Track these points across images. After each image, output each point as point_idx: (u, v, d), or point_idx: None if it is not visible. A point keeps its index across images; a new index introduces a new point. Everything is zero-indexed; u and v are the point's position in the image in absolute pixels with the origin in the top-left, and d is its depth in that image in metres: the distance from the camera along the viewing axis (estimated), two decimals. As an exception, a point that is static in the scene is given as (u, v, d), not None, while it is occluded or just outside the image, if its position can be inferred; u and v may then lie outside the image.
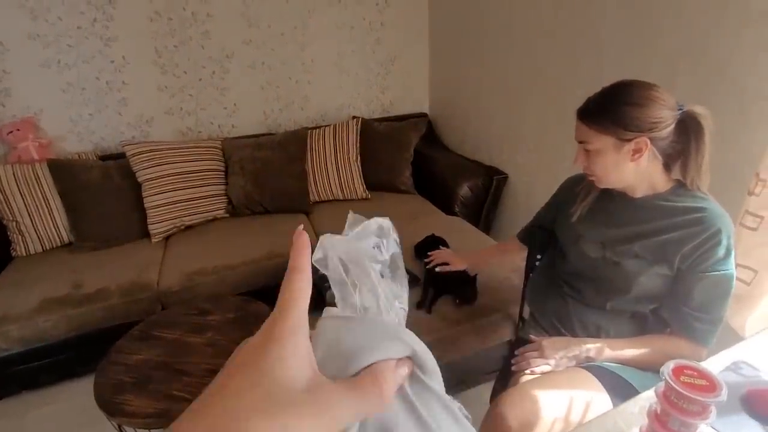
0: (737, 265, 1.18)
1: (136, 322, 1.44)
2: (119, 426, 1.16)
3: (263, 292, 1.89)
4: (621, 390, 0.93)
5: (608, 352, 0.98)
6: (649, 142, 0.87)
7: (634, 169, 0.91)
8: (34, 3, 2.01)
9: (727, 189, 1.24)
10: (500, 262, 1.59)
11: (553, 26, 1.80)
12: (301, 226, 0.29)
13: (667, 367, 0.61)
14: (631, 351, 0.98)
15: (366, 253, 0.35)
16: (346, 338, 0.29)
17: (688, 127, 0.87)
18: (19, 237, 1.98)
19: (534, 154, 2.04)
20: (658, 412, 0.63)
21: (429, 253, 1.54)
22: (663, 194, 0.94)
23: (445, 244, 1.75)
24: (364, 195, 2.38)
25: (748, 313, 1.19)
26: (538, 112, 1.97)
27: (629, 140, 0.88)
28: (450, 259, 1.47)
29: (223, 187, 2.27)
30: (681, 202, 0.91)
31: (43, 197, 2.00)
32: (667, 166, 0.93)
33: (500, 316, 1.48)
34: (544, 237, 1.25)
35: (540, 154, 2.01)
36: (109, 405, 1.10)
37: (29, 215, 1.98)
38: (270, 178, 2.25)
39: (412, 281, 1.60)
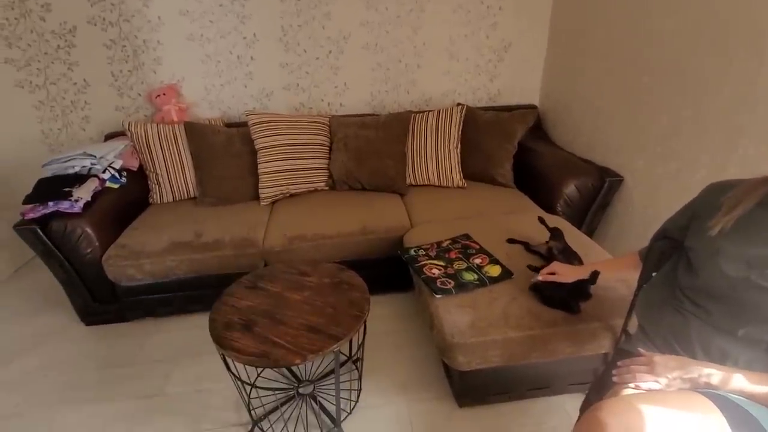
0: None
1: (241, 274, 1.59)
2: (224, 358, 1.30)
3: (353, 263, 1.97)
4: (746, 426, 0.81)
5: (736, 383, 0.86)
6: None
7: None
8: (188, -18, 2.28)
9: None
10: (614, 277, 1.46)
11: (700, 14, 1.59)
12: None
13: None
14: (766, 388, 0.85)
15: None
16: None
17: None
18: (157, 187, 2.30)
19: (660, 159, 1.84)
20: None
21: (542, 272, 1.41)
22: None
23: (560, 234, 1.65)
24: (460, 183, 2.35)
25: None
26: (672, 113, 1.76)
27: None
28: (558, 270, 1.37)
29: (326, 161, 2.40)
30: None
31: (178, 155, 2.29)
32: None
33: (599, 326, 1.37)
34: (665, 247, 1.13)
35: (667, 160, 1.80)
36: (220, 339, 1.24)
37: (166, 169, 2.28)
38: (370, 157, 2.32)
39: (505, 274, 1.56)
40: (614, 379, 0.98)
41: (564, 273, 1.36)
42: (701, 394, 0.87)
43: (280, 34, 2.45)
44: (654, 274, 1.16)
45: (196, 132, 2.28)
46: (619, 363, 1.01)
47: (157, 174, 2.27)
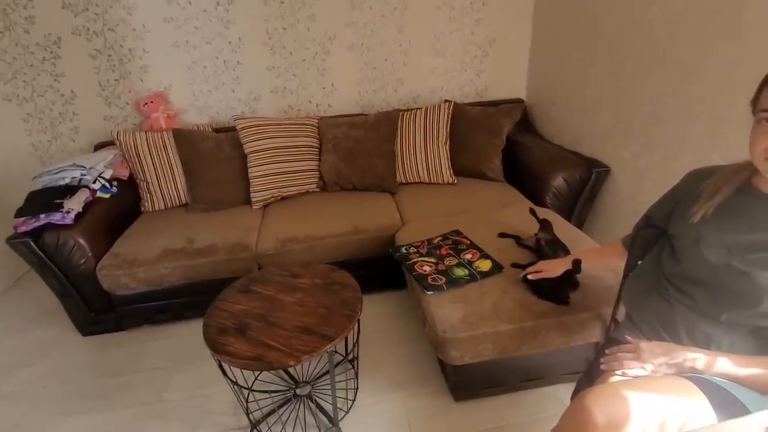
0: None
1: (235, 278, 1.60)
2: (220, 363, 1.31)
3: (346, 263, 1.98)
4: (729, 408, 0.83)
5: (720, 367, 0.88)
6: None
7: None
8: (171, -12, 2.28)
9: None
10: (599, 265, 1.47)
11: (681, 3, 1.60)
12: None
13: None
14: (749, 369, 0.86)
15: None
16: None
17: None
18: (148, 195, 2.30)
19: (645, 148, 1.86)
20: (783, 431, 0.56)
21: (527, 269, 1.45)
22: None
23: (549, 225, 1.67)
24: (450, 180, 2.37)
25: None
26: (656, 102, 1.78)
27: None
28: (544, 268, 1.39)
29: (316, 163, 2.41)
30: None
31: (168, 162, 2.29)
32: None
33: (589, 316, 1.39)
34: (650, 235, 1.15)
35: (652, 149, 1.82)
36: (214, 344, 1.25)
37: (157, 177, 2.28)
38: (360, 157, 2.33)
39: (496, 268, 1.57)
40: (602, 366, 1.00)
41: (550, 269, 1.38)
42: (686, 379, 0.89)
43: (265, 38, 2.45)
44: (639, 262, 1.18)
45: (184, 138, 2.28)
46: (606, 351, 1.03)
47: (147, 182, 2.28)
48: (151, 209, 2.31)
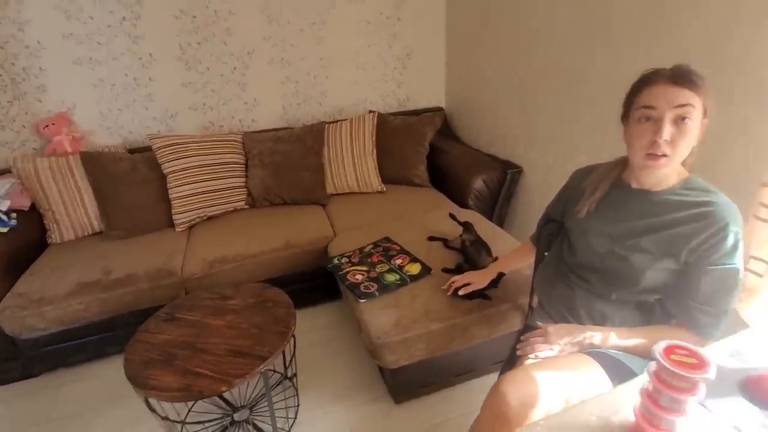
0: (750, 257, 1.18)
1: (162, 306, 1.52)
2: (146, 399, 1.24)
3: (280, 280, 1.96)
4: (623, 376, 0.95)
5: (612, 340, 1.00)
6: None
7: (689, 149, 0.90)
8: (68, 3, 2.12)
9: (741, 181, 1.24)
10: (520, 266, 1.53)
11: (569, 20, 1.80)
12: None
13: (659, 347, 0.64)
14: (635, 339, 1.00)
15: None
16: None
17: None
18: (54, 225, 2.10)
19: (548, 148, 2.05)
20: (650, 389, 0.65)
21: (452, 280, 1.50)
22: (674, 188, 0.95)
23: (471, 226, 1.77)
24: (379, 188, 2.43)
25: (759, 304, 1.18)
26: (553, 107, 1.97)
27: (706, 114, 0.88)
28: (471, 280, 1.46)
29: (243, 179, 2.35)
30: (691, 196, 0.92)
31: (75, 188, 2.11)
32: None
33: (510, 306, 1.50)
34: (553, 229, 1.27)
35: (554, 149, 2.01)
36: (138, 379, 1.18)
37: (63, 205, 2.10)
38: (288, 171, 2.31)
39: (425, 271, 1.64)
40: (518, 352, 1.10)
41: (478, 281, 1.45)
42: (585, 354, 1.00)
43: (178, 53, 2.36)
44: (546, 254, 1.30)
45: (93, 162, 2.12)
46: (521, 338, 1.13)
47: (52, 211, 2.08)
48: (59, 240, 2.12)
